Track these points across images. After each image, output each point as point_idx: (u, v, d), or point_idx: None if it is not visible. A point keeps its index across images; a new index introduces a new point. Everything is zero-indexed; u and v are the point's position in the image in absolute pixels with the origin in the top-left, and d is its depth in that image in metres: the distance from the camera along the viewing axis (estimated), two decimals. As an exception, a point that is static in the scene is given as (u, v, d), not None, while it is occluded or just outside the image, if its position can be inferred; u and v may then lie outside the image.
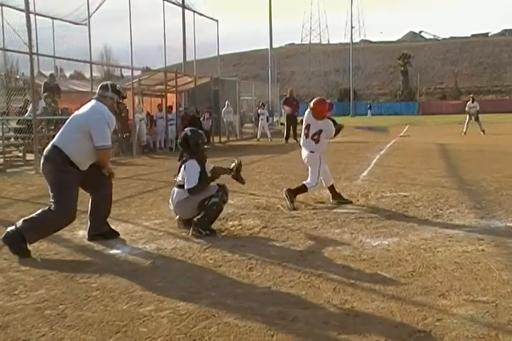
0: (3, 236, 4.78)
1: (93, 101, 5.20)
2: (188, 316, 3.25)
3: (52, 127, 12.93)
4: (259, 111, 23.53)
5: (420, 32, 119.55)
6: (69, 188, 4.93)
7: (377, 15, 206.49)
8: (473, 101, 23.77)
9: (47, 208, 4.90)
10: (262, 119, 22.91)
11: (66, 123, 5.16)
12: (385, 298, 3.51)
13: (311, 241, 5.05)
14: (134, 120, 15.99)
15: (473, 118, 23.22)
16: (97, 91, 5.28)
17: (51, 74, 15.49)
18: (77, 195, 4.99)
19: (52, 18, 17.31)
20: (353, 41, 69.22)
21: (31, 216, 4.87)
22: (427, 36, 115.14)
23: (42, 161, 5.07)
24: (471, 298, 3.47)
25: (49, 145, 5.06)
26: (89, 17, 15.97)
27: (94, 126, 4.95)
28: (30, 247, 4.77)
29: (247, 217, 6.20)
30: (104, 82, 5.45)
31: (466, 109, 23.61)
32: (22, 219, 4.84)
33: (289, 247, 4.86)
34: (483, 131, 22.58)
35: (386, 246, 4.83)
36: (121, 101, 5.40)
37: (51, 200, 4.92)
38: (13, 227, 4.77)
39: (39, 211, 4.90)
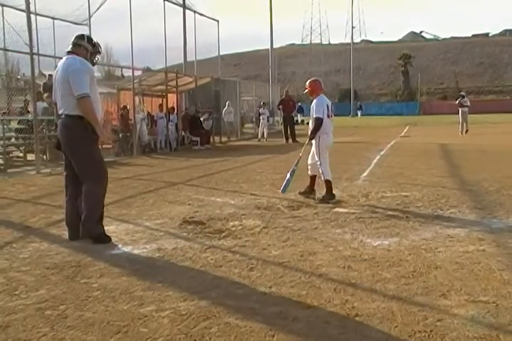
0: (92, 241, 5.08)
1: (64, 58, 5.18)
2: (188, 316, 3.25)
3: (53, 127, 12.91)
4: (260, 110, 23.55)
5: (421, 32, 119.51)
6: (100, 160, 5.25)
7: (378, 15, 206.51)
8: (463, 97, 23.70)
9: (83, 191, 5.09)
10: (262, 119, 22.92)
11: (57, 89, 5.16)
12: (386, 298, 3.51)
13: (311, 242, 5.04)
14: (135, 120, 15.99)
15: (465, 115, 23.07)
16: (72, 42, 5.22)
17: (50, 75, 15.48)
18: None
19: (53, 18, 17.36)
20: (354, 41, 69.11)
21: (83, 217, 5.11)
22: (428, 36, 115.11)
23: (62, 132, 5.16)
24: (472, 298, 3.47)
25: (62, 119, 5.13)
26: (89, 17, 16.02)
27: (71, 78, 4.96)
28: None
29: (247, 217, 6.19)
30: (80, 33, 5.45)
31: (461, 107, 23.38)
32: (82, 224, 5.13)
33: (290, 247, 4.85)
34: (467, 131, 22.55)
35: (387, 246, 4.83)
36: (95, 53, 5.36)
37: (81, 174, 5.10)
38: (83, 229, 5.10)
39: (82, 205, 5.12)
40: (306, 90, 7.70)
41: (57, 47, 16.49)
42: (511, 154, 13.69)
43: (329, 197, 7.22)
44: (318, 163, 7.30)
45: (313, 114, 7.34)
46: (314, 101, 7.47)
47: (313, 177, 7.49)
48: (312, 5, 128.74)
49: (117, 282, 3.94)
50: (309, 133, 7.44)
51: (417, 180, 9.14)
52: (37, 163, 11.61)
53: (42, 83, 14.92)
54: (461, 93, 25.77)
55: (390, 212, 6.39)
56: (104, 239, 5.16)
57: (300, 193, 7.49)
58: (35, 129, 11.65)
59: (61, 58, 5.47)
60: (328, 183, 7.26)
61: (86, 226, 5.13)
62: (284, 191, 7.41)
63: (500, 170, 10.14)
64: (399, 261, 4.35)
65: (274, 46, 34.60)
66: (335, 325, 3.09)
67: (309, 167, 7.53)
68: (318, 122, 7.28)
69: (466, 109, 23.10)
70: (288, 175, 7.46)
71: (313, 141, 7.39)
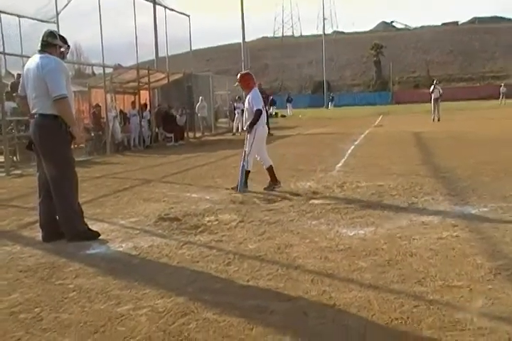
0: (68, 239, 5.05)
1: (37, 57, 5.05)
2: (166, 313, 3.23)
3: (23, 128, 12.70)
4: (234, 104, 23.50)
5: (392, 22, 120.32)
6: (71, 160, 5.17)
7: (349, 6, 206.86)
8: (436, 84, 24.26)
9: (55, 192, 5.02)
10: (237, 113, 22.87)
11: (29, 87, 5.05)
12: (363, 287, 3.53)
13: (288, 234, 5.05)
14: (107, 118, 15.81)
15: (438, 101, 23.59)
16: (42, 40, 5.08)
17: (19, 74, 15.19)
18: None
19: (19, 16, 16.98)
20: (326, 33, 69.46)
21: (59, 218, 5.09)
22: (399, 26, 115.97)
23: (35, 132, 5.05)
24: (447, 283, 3.51)
25: (35, 118, 5.04)
26: (57, 14, 15.75)
27: (48, 78, 4.88)
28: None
29: (223, 212, 6.18)
30: (48, 30, 5.32)
31: (434, 94, 23.83)
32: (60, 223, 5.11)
33: (266, 240, 4.85)
34: (439, 119, 23.04)
35: (362, 235, 4.87)
36: (66, 50, 5.27)
37: (51, 173, 5.01)
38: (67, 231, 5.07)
39: (57, 207, 5.06)
40: (237, 84, 7.81)
41: (24, 45, 16.22)
42: (483, 140, 13.91)
43: (242, 187, 7.49)
44: (248, 152, 7.54)
45: (253, 106, 7.50)
46: (250, 94, 7.63)
47: (269, 169, 7.68)
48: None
49: (93, 282, 3.89)
50: (247, 125, 7.60)
51: (391, 169, 9.23)
52: (6, 164, 11.38)
53: (10, 83, 14.63)
54: (434, 80, 26.19)
55: (365, 202, 6.44)
56: (91, 235, 5.13)
57: (265, 188, 7.58)
58: (4, 130, 11.43)
59: (28, 57, 5.36)
60: (248, 174, 7.56)
61: (68, 227, 5.07)
62: (240, 190, 7.49)
63: (473, 156, 10.29)
64: (375, 250, 4.38)
65: (246, 39, 34.45)
66: (313, 316, 3.11)
67: (261, 162, 7.76)
68: (259, 113, 7.49)
69: (437, 97, 23.60)
70: (239, 173, 7.60)
71: (250, 133, 7.56)
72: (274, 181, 7.65)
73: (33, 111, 5.06)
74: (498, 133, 15.68)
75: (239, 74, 7.93)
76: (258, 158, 7.75)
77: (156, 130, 18.97)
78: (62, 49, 5.18)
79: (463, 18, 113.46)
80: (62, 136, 5.02)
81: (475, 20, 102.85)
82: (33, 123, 5.10)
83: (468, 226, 4.99)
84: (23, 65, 5.62)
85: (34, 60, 5.06)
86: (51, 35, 5.14)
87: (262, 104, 7.61)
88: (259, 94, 7.75)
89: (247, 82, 7.73)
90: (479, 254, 4.11)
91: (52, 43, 5.08)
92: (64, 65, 5.10)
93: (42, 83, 4.92)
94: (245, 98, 7.88)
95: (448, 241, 4.52)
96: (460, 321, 2.93)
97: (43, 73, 4.91)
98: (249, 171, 7.60)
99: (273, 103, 35.50)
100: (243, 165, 7.58)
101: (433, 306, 3.15)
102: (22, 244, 5.08)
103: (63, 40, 5.19)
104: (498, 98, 42.47)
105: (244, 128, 7.76)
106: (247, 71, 8.18)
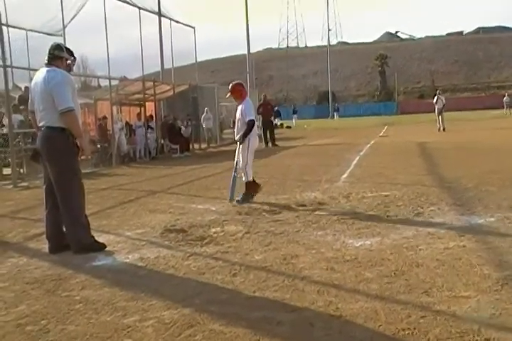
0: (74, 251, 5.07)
1: (44, 70, 5.10)
2: (173, 325, 3.23)
3: (30, 140, 12.78)
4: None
5: (396, 32, 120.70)
6: (78, 172, 5.19)
7: (354, 17, 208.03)
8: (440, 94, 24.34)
9: (62, 204, 5.04)
10: (242, 124, 22.92)
11: (37, 100, 5.10)
12: (369, 297, 3.52)
13: (294, 245, 5.05)
14: (113, 130, 15.89)
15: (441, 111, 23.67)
16: (49, 53, 5.13)
17: (26, 87, 15.33)
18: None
19: (26, 30, 17.16)
20: (330, 43, 69.76)
21: (65, 230, 5.12)
22: (403, 36, 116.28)
23: (43, 144, 5.10)
24: (454, 294, 3.50)
25: (43, 131, 5.08)
26: (64, 27, 15.85)
27: (54, 91, 4.92)
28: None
29: (229, 223, 6.18)
30: (55, 43, 5.38)
31: (437, 104, 23.91)
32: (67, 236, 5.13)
33: (272, 251, 4.85)
34: (444, 129, 23.08)
35: (369, 246, 4.86)
36: (73, 62, 5.32)
37: (58, 185, 5.04)
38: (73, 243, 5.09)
39: (64, 219, 5.09)
40: (229, 95, 7.75)
41: (31, 58, 16.36)
42: (488, 150, 13.88)
43: (248, 197, 7.51)
44: (244, 164, 7.54)
45: (246, 117, 7.50)
46: (243, 104, 7.62)
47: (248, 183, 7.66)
48: (288, 8, 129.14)
49: (99, 293, 3.90)
50: (239, 136, 7.60)
51: (396, 179, 9.21)
52: (13, 176, 11.45)
53: (17, 96, 14.75)
54: (437, 91, 26.27)
55: (371, 212, 6.43)
56: (98, 246, 5.14)
57: (240, 201, 7.52)
58: (11, 142, 11.51)
59: (36, 70, 5.42)
60: (250, 184, 7.58)
61: (75, 238, 5.08)
62: (231, 199, 7.57)
63: (478, 166, 10.27)
64: (381, 260, 4.37)
65: (251, 51, 34.68)
66: (320, 327, 3.10)
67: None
68: (251, 124, 7.50)
69: (441, 107, 23.67)
70: (230, 183, 7.67)
71: (242, 144, 7.58)
72: (250, 192, 7.60)
73: (41, 124, 5.11)
74: (503, 143, 15.64)
75: (230, 85, 7.84)
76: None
77: (162, 141, 19.04)
78: (68, 61, 5.23)
79: (467, 28, 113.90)
80: (69, 148, 5.06)
81: (479, 30, 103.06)
82: (41, 135, 5.15)
83: (475, 237, 4.97)
84: (31, 78, 5.68)
85: (41, 73, 5.12)
86: (58, 47, 5.19)
87: (255, 114, 7.67)
88: (252, 104, 7.76)
89: (239, 93, 7.70)
90: (486, 264, 4.09)
91: (59, 56, 5.14)
92: (70, 77, 5.15)
93: (49, 96, 4.97)
94: (237, 108, 7.82)
95: (454, 252, 4.50)
96: (467, 332, 2.91)
97: (49, 86, 4.96)
98: (256, 182, 7.64)
99: (278, 114, 35.58)
100: (234, 176, 7.67)
101: (440, 317, 3.13)
102: (28, 256, 5.10)
103: (69, 52, 5.25)
104: (502, 108, 42.36)
105: (236, 139, 7.72)
106: (239, 81, 8.06)
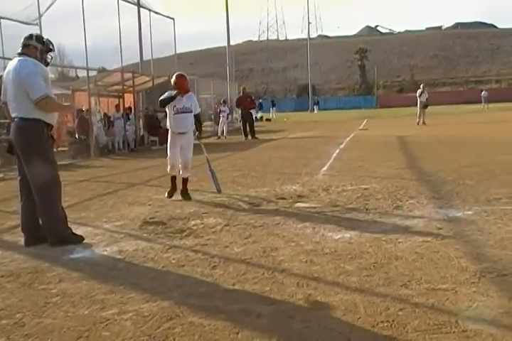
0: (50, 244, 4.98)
1: (16, 59, 5.01)
2: (151, 318, 3.20)
3: (5, 131, 12.54)
4: (220, 108, 23.50)
5: (376, 26, 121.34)
6: (54, 163, 5.10)
7: (334, 10, 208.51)
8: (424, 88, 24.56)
9: (38, 197, 4.95)
10: (222, 116, 22.87)
11: (9, 90, 4.99)
12: (348, 290, 3.53)
13: (273, 237, 5.04)
14: (91, 121, 15.70)
15: (424, 106, 23.93)
16: (22, 42, 5.05)
17: (0, 77, 15.00)
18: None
19: (0, 18, 16.78)
20: (311, 36, 69.70)
21: (42, 222, 5.03)
22: (383, 30, 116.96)
23: (17, 135, 4.99)
24: (432, 286, 3.52)
25: (16, 122, 4.97)
26: (40, 16, 15.57)
27: (26, 81, 4.83)
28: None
29: (208, 216, 6.15)
30: (29, 33, 5.28)
31: (421, 98, 24.12)
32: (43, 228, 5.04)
33: (252, 244, 4.84)
34: (424, 122, 23.36)
35: (348, 239, 4.87)
36: (46, 52, 5.19)
37: (34, 177, 4.93)
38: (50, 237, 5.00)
39: (39, 211, 5.00)
40: (175, 87, 7.33)
41: (6, 48, 16.04)
42: (467, 144, 14.03)
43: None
44: (190, 157, 7.53)
45: (197, 110, 7.50)
46: (190, 97, 7.50)
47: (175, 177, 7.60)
48: (268, 1, 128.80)
49: (77, 286, 3.85)
50: (198, 128, 7.68)
51: (376, 172, 9.26)
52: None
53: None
54: (421, 85, 26.42)
55: (351, 205, 6.45)
56: (75, 239, 5.07)
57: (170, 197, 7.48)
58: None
59: (10, 59, 5.30)
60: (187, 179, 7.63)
61: (51, 231, 5.00)
62: (219, 190, 7.65)
63: (457, 160, 10.37)
64: (360, 253, 4.38)
65: (231, 43, 34.57)
66: (299, 319, 3.10)
67: (180, 166, 7.53)
68: (199, 116, 7.57)
69: (424, 100, 23.93)
70: (211, 177, 7.78)
71: (192, 136, 7.59)
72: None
73: (14, 115, 5.00)
74: (481, 137, 15.83)
75: (175, 76, 7.42)
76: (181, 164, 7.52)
77: (142, 133, 18.88)
78: (39, 49, 5.08)
79: (446, 23, 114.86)
80: (44, 139, 4.97)
81: (458, 26, 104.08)
82: (14, 127, 5.04)
83: (453, 230, 5.02)
84: (5, 68, 5.55)
85: (12, 63, 5.02)
86: (27, 36, 5.10)
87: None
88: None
89: (186, 85, 7.44)
90: (464, 257, 4.13)
91: (27, 44, 5.03)
92: (42, 66, 5.03)
93: (20, 86, 4.86)
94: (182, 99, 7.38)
95: (433, 245, 4.53)
96: (445, 324, 2.93)
97: (20, 76, 4.85)
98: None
99: (261, 107, 35.58)
100: (211, 170, 7.81)
101: (418, 309, 3.15)
102: (3, 249, 5.01)
103: (40, 40, 5.11)
104: (480, 102, 42.95)
105: (197, 135, 7.70)
106: (182, 73, 7.63)
